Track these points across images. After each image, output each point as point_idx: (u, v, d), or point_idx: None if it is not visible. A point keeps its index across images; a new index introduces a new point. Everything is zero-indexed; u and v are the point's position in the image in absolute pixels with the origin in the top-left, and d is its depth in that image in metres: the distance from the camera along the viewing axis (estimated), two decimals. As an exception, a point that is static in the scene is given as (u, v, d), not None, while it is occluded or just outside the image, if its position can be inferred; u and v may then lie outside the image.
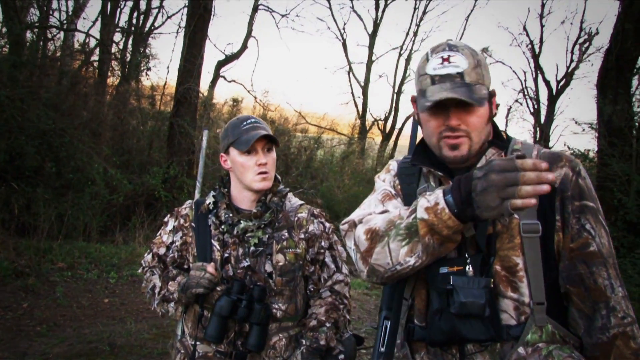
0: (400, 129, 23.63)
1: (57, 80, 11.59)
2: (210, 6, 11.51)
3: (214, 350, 2.04)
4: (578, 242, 1.40)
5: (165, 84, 14.80)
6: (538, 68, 22.91)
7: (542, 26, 22.47)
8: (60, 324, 5.62)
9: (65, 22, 16.68)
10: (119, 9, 15.96)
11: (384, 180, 1.68)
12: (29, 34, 12.62)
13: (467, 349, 1.42)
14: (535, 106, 23.57)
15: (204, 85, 15.96)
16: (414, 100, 1.54)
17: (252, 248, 2.05)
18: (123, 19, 17.69)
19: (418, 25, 23.25)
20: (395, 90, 23.25)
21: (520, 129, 30.52)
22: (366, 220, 1.47)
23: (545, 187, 1.11)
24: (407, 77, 23.29)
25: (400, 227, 1.36)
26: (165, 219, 2.27)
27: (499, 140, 1.54)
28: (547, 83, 22.65)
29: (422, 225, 1.29)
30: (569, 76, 22.34)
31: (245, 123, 2.07)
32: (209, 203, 2.14)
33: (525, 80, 23.92)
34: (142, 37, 16.98)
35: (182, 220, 2.19)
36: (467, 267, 1.39)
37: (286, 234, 2.08)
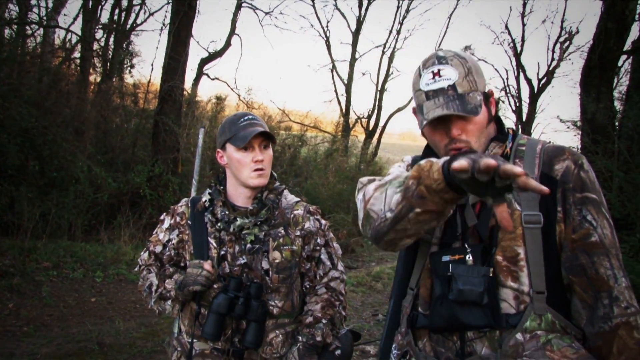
0: (384, 127, 23.74)
1: (38, 77, 11.43)
2: (194, 4, 11.44)
3: (210, 348, 2.05)
4: (579, 232, 1.42)
5: (149, 81, 14.67)
6: (520, 66, 23.15)
7: (523, 25, 22.71)
8: (47, 323, 5.57)
9: (45, 18, 16.47)
10: (100, 6, 15.79)
11: (400, 166, 1.72)
12: (7, 31, 12.44)
13: (467, 336, 1.44)
14: (517, 104, 23.81)
15: (187, 83, 15.90)
16: (414, 112, 1.58)
17: (248, 245, 2.05)
18: (105, 16, 17.51)
19: (401, 24, 23.32)
20: (379, 88, 23.29)
21: (502, 127, 30.82)
22: (381, 179, 1.55)
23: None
24: (390, 75, 23.37)
25: (401, 177, 1.42)
26: (162, 217, 2.27)
27: (501, 135, 1.57)
28: (529, 81, 22.90)
29: (413, 170, 1.33)
30: (550, 74, 22.61)
31: (242, 120, 2.07)
32: (205, 201, 2.14)
33: (507, 79, 24.26)
34: (125, 34, 16.80)
35: (178, 218, 2.19)
36: (468, 256, 1.43)
37: (282, 231, 2.09)
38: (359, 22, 22.61)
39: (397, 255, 1.75)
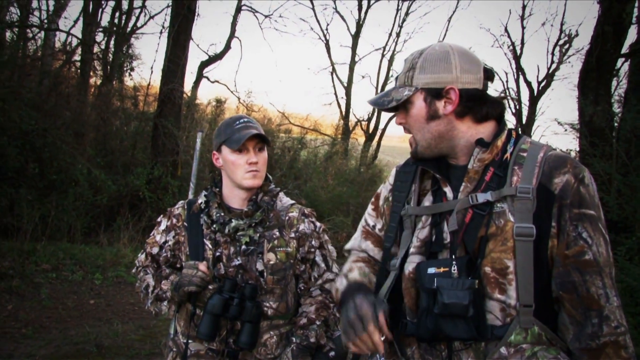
0: (384, 130, 23.71)
1: (38, 80, 11.48)
2: (194, 7, 11.48)
3: (206, 348, 2.07)
4: (573, 249, 1.38)
5: (149, 84, 14.71)
6: (519, 69, 23.15)
7: (523, 28, 22.69)
8: (45, 325, 5.58)
9: (46, 21, 16.51)
10: (100, 9, 15.83)
11: (383, 187, 1.82)
12: (8, 34, 12.47)
13: (454, 346, 1.45)
14: (517, 107, 23.81)
15: (187, 86, 15.92)
16: None
17: (243, 247, 2.07)
18: (105, 19, 17.58)
19: (401, 27, 23.37)
20: (378, 91, 23.28)
21: (502, 130, 30.83)
22: (346, 261, 1.79)
23: None
24: (390, 77, 23.35)
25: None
26: (159, 219, 2.30)
27: (495, 139, 1.52)
28: (529, 84, 22.89)
29: (334, 292, 1.71)
30: (549, 77, 22.61)
31: (238, 122, 2.10)
32: (201, 202, 2.17)
33: (507, 81, 24.15)
34: (125, 37, 16.84)
35: (174, 220, 2.22)
36: (453, 268, 1.42)
37: (277, 232, 2.11)
38: (359, 25, 22.64)
39: None
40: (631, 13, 6.97)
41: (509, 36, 23.21)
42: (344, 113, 22.59)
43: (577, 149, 7.61)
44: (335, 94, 23.07)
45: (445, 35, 23.90)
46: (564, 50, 22.17)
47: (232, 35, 17.46)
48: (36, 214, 8.25)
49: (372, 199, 1.84)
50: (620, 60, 8.49)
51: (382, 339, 1.43)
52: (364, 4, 22.46)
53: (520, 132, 1.59)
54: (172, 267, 2.22)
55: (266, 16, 18.51)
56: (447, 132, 1.53)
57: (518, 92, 23.51)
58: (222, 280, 2.03)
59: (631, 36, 7.56)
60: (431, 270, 1.45)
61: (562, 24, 21.89)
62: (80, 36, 14.18)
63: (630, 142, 6.81)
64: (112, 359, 4.80)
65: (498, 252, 1.40)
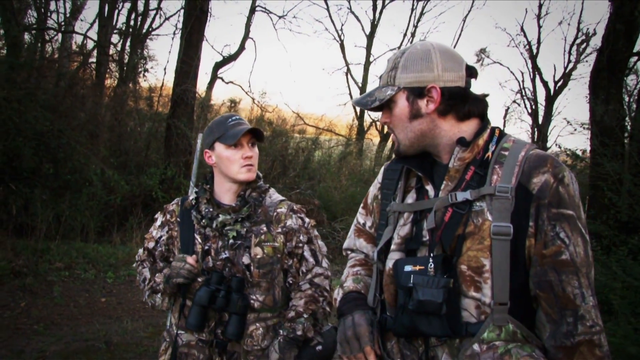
0: (398, 130, 23.61)
1: (54, 81, 11.63)
2: (206, 8, 11.58)
3: (196, 339, 2.13)
4: (551, 249, 1.39)
5: (162, 85, 14.86)
6: (536, 69, 23.03)
7: (539, 27, 22.60)
8: (57, 322, 5.68)
9: (63, 24, 16.75)
10: (116, 11, 16.03)
11: (374, 186, 1.87)
12: (27, 36, 12.69)
13: (430, 341, 1.48)
14: (533, 107, 23.68)
15: (201, 87, 16.05)
16: None
17: (231, 241, 2.14)
18: (121, 21, 17.76)
19: (415, 27, 23.35)
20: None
21: (518, 130, 30.49)
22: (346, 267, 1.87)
23: None
24: None
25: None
26: (156, 216, 2.39)
27: (476, 137, 1.53)
28: (545, 84, 22.76)
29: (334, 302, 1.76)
30: (566, 77, 22.45)
31: (230, 120, 2.18)
32: (192, 199, 2.25)
33: (522, 81, 24.12)
34: (140, 39, 17.02)
35: (168, 216, 2.31)
36: (430, 265, 1.44)
37: (264, 228, 2.16)
38: (374, 25, 22.66)
39: None
40: (643, 11, 6.90)
41: (525, 35, 23.13)
42: (358, 113, 22.60)
43: (589, 148, 7.54)
44: (350, 94, 23.12)
45: (460, 34, 23.86)
46: (581, 49, 22.01)
47: (246, 36, 17.59)
48: (50, 214, 8.39)
49: (364, 198, 1.90)
50: (633, 59, 8.42)
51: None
52: (379, 4, 22.50)
53: (503, 131, 1.59)
54: (166, 260, 2.31)
55: (280, 17, 18.64)
56: (429, 131, 1.55)
57: (534, 91, 23.42)
58: (210, 273, 2.09)
59: (644, 35, 7.48)
60: (407, 268, 1.47)
61: (579, 23, 21.82)
62: (96, 38, 14.37)
63: (642, 142, 6.74)
64: (120, 355, 4.87)
65: (475, 250, 1.42)
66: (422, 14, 23.09)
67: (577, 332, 1.35)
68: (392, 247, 1.60)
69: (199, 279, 2.11)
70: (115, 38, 16.62)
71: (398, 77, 1.55)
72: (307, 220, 2.25)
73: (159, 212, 2.38)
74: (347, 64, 22.95)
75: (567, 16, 41.07)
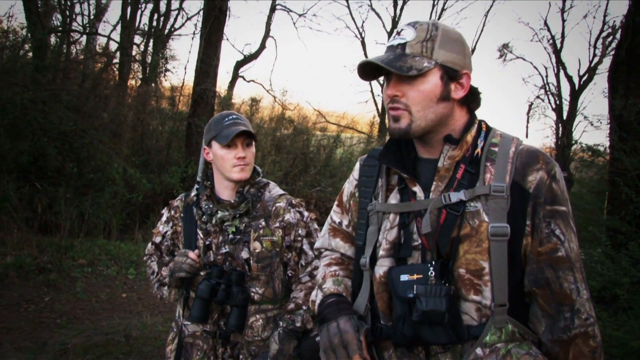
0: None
1: (79, 82, 11.89)
2: (225, 7, 11.69)
3: (201, 330, 2.21)
4: (547, 246, 1.38)
5: (183, 84, 15.05)
6: (560, 63, 22.72)
7: (563, 21, 22.28)
8: (79, 316, 5.84)
9: (87, 26, 17.06)
10: (139, 12, 16.29)
11: (349, 182, 1.77)
12: (52, 38, 12.97)
13: (432, 349, 1.43)
14: (557, 102, 23.38)
15: (223, 86, 16.22)
16: None
17: (230, 236, 2.21)
18: (143, 22, 18.03)
19: (437, 23, 23.12)
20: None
21: (542, 125, 30.21)
22: (319, 265, 1.79)
23: None
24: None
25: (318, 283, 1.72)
26: (162, 211, 2.47)
27: (464, 133, 1.48)
28: (570, 78, 22.44)
29: (310, 304, 1.71)
30: (591, 71, 22.09)
31: (227, 119, 2.23)
32: (193, 195, 2.33)
33: (546, 76, 23.90)
34: (162, 39, 17.26)
35: (173, 212, 2.39)
36: (430, 272, 1.38)
37: (263, 222, 2.23)
38: (394, 22, 22.59)
39: None
40: (662, 4, 6.80)
41: (548, 30, 22.89)
42: (380, 110, 22.57)
43: (607, 144, 7.45)
44: (372, 91, 23.10)
45: (482, 30, 23.63)
46: (606, 43, 21.64)
47: (266, 34, 17.71)
48: (74, 212, 8.59)
49: (338, 196, 1.80)
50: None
51: None
52: (399, 1, 22.42)
53: (488, 124, 1.54)
54: (172, 254, 2.40)
55: (300, 15, 18.70)
56: (446, 118, 1.47)
57: (558, 86, 23.12)
58: (211, 267, 2.17)
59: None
60: (404, 277, 1.40)
61: (604, 16, 21.40)
62: (119, 39, 14.62)
63: (663, 137, 6.65)
64: (139, 348, 5.00)
65: (473, 253, 1.38)
66: (443, 9, 22.97)
67: (573, 325, 1.36)
68: (381, 252, 1.51)
69: (202, 273, 2.19)
70: (137, 39, 16.91)
71: (436, 51, 1.42)
72: (306, 214, 2.30)
73: (165, 208, 2.46)
74: (368, 62, 22.86)
75: (592, 9, 40.24)
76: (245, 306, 2.15)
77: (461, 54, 1.46)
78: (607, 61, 23.27)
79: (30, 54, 10.85)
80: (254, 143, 2.28)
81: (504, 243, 1.36)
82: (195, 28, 17.60)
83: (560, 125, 23.11)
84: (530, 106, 24.64)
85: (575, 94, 22.47)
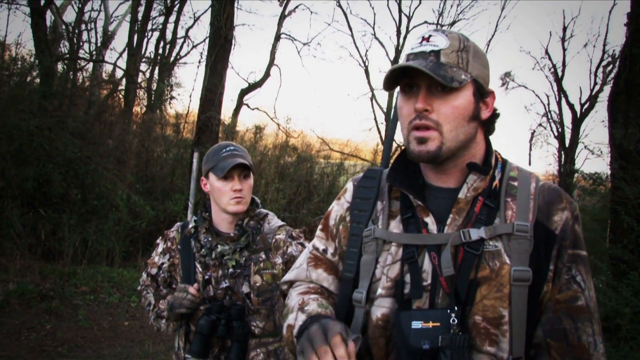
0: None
1: (84, 109, 12.01)
2: (230, 37, 11.85)
3: None
4: (566, 294, 1.25)
5: (188, 112, 15.17)
6: (561, 91, 22.82)
7: (564, 49, 22.44)
8: (80, 345, 5.82)
9: (93, 53, 17.31)
10: (145, 40, 16.51)
11: (337, 204, 1.53)
12: (59, 65, 13.15)
13: None
14: (560, 130, 23.42)
15: (227, 113, 16.34)
16: None
17: (230, 270, 2.21)
18: (149, 49, 18.28)
19: (439, 51, 23.31)
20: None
21: (545, 153, 30.20)
22: (290, 294, 1.48)
23: None
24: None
25: (288, 308, 1.41)
26: (157, 241, 2.46)
27: (485, 164, 1.34)
28: (571, 106, 22.52)
29: (285, 330, 1.34)
30: (593, 99, 22.18)
31: (224, 150, 2.24)
32: (191, 227, 2.32)
33: (548, 104, 23.80)
34: (167, 67, 17.46)
35: (169, 243, 2.38)
36: (452, 321, 1.20)
37: (263, 255, 2.23)
38: (398, 51, 22.77)
39: None
40: (660, 35, 6.91)
41: (549, 58, 22.89)
42: (383, 138, 22.63)
43: (608, 172, 7.49)
44: (375, 119, 23.19)
45: (484, 58, 23.70)
46: (607, 71, 21.77)
47: (271, 63, 17.89)
48: (77, 238, 8.59)
49: (322, 220, 1.54)
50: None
51: None
52: (402, 29, 22.66)
53: (505, 158, 1.40)
54: (169, 287, 2.39)
55: (305, 44, 18.91)
56: (471, 140, 1.31)
57: (560, 114, 23.15)
58: (211, 302, 2.17)
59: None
60: (416, 324, 1.21)
61: (604, 45, 21.42)
62: (125, 67, 14.79)
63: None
64: (140, 378, 4.98)
65: (492, 299, 1.22)
66: (445, 38, 23.12)
67: None
68: (380, 290, 1.32)
69: (201, 307, 2.19)
70: (143, 66, 17.12)
71: (471, 63, 1.27)
72: (307, 244, 2.31)
73: (160, 238, 2.45)
74: (371, 89, 23.03)
75: (592, 38, 40.54)
76: (246, 340, 2.14)
77: (488, 69, 1.34)
78: (607, 89, 23.37)
79: (38, 80, 11.00)
80: (251, 175, 2.27)
81: (525, 289, 1.22)
82: (201, 56, 17.80)
83: (562, 152, 23.13)
84: (532, 134, 24.67)
85: (577, 122, 22.52)
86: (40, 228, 8.50)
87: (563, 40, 22.36)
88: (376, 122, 23.11)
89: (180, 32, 18.66)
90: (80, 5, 17.42)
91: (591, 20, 28.33)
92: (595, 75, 21.85)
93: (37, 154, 8.92)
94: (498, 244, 1.24)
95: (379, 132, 22.83)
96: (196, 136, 11.64)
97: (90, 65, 15.86)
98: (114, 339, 6.15)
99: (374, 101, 23.18)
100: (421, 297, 1.26)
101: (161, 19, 17.83)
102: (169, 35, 18.14)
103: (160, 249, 2.41)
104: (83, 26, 17.66)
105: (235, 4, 12.23)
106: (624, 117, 6.92)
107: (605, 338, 1.33)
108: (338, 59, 37.42)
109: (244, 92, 17.75)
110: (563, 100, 22.76)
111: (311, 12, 24.12)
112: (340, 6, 22.80)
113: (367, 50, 30.57)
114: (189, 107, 15.16)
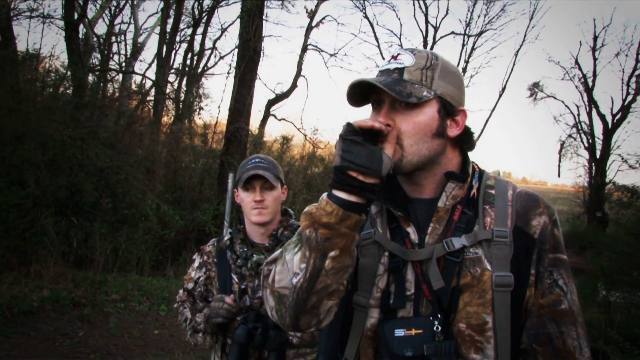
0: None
1: (115, 120, 12.20)
2: (259, 48, 11.94)
3: None
4: (549, 298, 1.26)
5: (216, 122, 15.30)
6: (592, 102, 22.52)
7: (594, 59, 22.16)
8: (112, 352, 5.84)
9: (123, 64, 17.60)
10: (174, 51, 16.74)
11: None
12: (90, 77, 13.39)
13: None
14: (590, 141, 23.08)
15: (254, 124, 16.44)
16: None
17: None
18: (178, 60, 18.52)
19: (467, 62, 23.23)
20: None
21: (575, 164, 29.72)
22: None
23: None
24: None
25: (292, 239, 1.27)
26: (194, 257, 2.48)
27: (462, 174, 1.35)
28: (602, 117, 22.20)
29: (303, 218, 1.20)
30: (625, 109, 21.82)
31: (250, 162, 2.27)
32: (227, 239, 2.35)
33: (578, 115, 23.48)
34: (195, 78, 17.66)
35: (205, 257, 2.39)
36: (436, 328, 1.22)
37: None
38: (424, 62, 22.70)
39: None
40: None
41: (580, 68, 22.61)
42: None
43: (646, 184, 7.32)
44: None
45: (512, 69, 23.55)
46: (640, 80, 21.41)
47: (298, 73, 17.95)
48: (108, 247, 8.69)
49: None
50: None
51: None
52: (429, 40, 22.59)
53: (482, 169, 1.43)
54: (205, 300, 2.38)
55: (332, 55, 18.91)
56: (438, 156, 1.32)
57: (591, 125, 22.85)
58: (247, 311, 2.17)
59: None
60: (399, 332, 1.23)
61: (637, 54, 21.08)
62: (154, 78, 15.00)
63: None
64: (171, 387, 4.98)
65: (475, 305, 1.23)
66: (473, 49, 23.04)
67: None
68: (371, 300, 1.32)
69: (238, 318, 2.18)
70: (172, 77, 17.34)
71: (436, 81, 1.28)
72: None
73: (197, 253, 2.47)
74: (397, 100, 23.00)
75: (625, 47, 39.94)
76: (283, 350, 2.12)
77: (459, 88, 1.34)
78: (640, 100, 22.95)
79: (70, 91, 11.20)
80: (277, 187, 2.26)
81: (507, 294, 1.23)
82: (230, 67, 17.95)
83: (593, 164, 22.77)
84: (562, 145, 24.35)
85: (608, 133, 22.18)
86: (72, 236, 8.62)
87: (594, 49, 22.10)
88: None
89: (208, 44, 18.92)
90: (111, 18, 17.81)
91: (623, 29, 28.00)
92: (628, 85, 21.52)
93: (69, 163, 9.08)
94: (478, 251, 1.26)
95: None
96: (225, 147, 11.73)
97: (120, 77, 16.16)
98: (145, 347, 6.17)
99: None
100: (405, 307, 1.28)
101: (189, 31, 18.11)
102: (196, 47, 18.41)
103: (196, 264, 2.43)
104: (113, 38, 18.05)
105: (263, 16, 12.34)
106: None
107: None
108: (365, 70, 37.46)
109: (271, 103, 17.83)
110: (594, 111, 22.47)
111: (338, 24, 24.27)
112: (366, 17, 22.95)
113: (393, 62, 30.49)
114: (217, 117, 15.27)
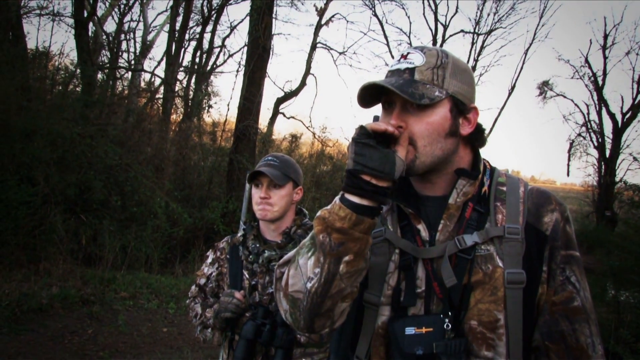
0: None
1: (124, 117, 12.23)
2: (269, 46, 11.93)
3: None
4: (562, 295, 1.25)
5: (225, 120, 15.31)
6: (602, 101, 22.38)
7: (605, 58, 22.01)
8: (121, 350, 5.85)
9: (132, 62, 17.65)
10: (183, 49, 16.77)
11: None
12: (100, 75, 13.43)
13: None
14: (600, 140, 22.94)
15: (263, 122, 16.45)
16: None
17: None
18: (187, 58, 18.56)
19: (476, 60, 23.14)
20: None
21: (584, 163, 29.58)
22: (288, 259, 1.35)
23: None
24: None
25: (304, 242, 1.27)
26: (207, 253, 2.48)
27: (474, 170, 1.35)
28: (612, 116, 22.06)
29: (316, 223, 1.19)
30: (635, 108, 21.67)
31: (263, 160, 2.30)
32: (240, 235, 2.34)
33: (588, 114, 23.35)
34: (204, 76, 17.68)
35: (218, 253, 2.40)
36: (446, 326, 1.22)
37: None
38: (433, 60, 22.62)
39: None
40: None
41: (589, 67, 22.47)
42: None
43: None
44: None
45: (522, 67, 23.45)
46: (651, 79, 21.24)
47: (307, 72, 17.94)
48: (117, 244, 8.71)
49: None
50: None
51: None
52: (439, 38, 22.50)
53: (493, 166, 1.42)
54: (217, 296, 2.38)
55: (341, 53, 18.90)
56: (451, 155, 1.32)
57: (600, 124, 22.72)
58: (256, 308, 2.15)
59: None
60: (409, 330, 1.23)
61: (648, 53, 20.98)
62: (163, 76, 15.03)
63: None
64: (180, 385, 4.97)
65: (486, 302, 1.23)
66: (482, 47, 22.94)
67: None
68: (382, 298, 1.32)
69: (247, 314, 2.17)
70: (181, 75, 17.37)
71: (447, 80, 1.27)
72: None
73: (210, 250, 2.47)
74: (406, 99, 22.93)
75: (635, 46, 39.64)
76: (290, 348, 2.11)
77: (470, 86, 1.33)
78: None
79: (79, 89, 11.24)
80: (286, 186, 2.25)
81: (520, 291, 1.23)
82: (239, 65, 17.99)
83: (602, 163, 22.63)
84: (571, 144, 24.22)
85: (618, 132, 22.03)
86: (81, 234, 8.63)
87: (604, 48, 21.96)
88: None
89: (217, 42, 18.96)
90: (120, 16, 17.86)
91: (634, 27, 27.86)
92: (638, 84, 21.36)
93: (79, 161, 9.10)
94: (490, 248, 1.26)
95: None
96: (234, 145, 11.73)
97: (129, 74, 16.19)
98: (154, 345, 6.18)
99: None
100: (415, 305, 1.28)
101: (198, 29, 18.17)
102: (206, 45, 18.47)
103: (209, 260, 2.43)
104: (123, 36, 18.11)
105: (273, 14, 12.32)
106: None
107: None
108: (374, 68, 37.43)
109: (280, 101, 17.83)
110: (603, 110, 22.34)
111: (347, 22, 24.22)
112: (376, 15, 22.94)
113: (402, 60, 30.41)
114: (226, 115, 15.27)
